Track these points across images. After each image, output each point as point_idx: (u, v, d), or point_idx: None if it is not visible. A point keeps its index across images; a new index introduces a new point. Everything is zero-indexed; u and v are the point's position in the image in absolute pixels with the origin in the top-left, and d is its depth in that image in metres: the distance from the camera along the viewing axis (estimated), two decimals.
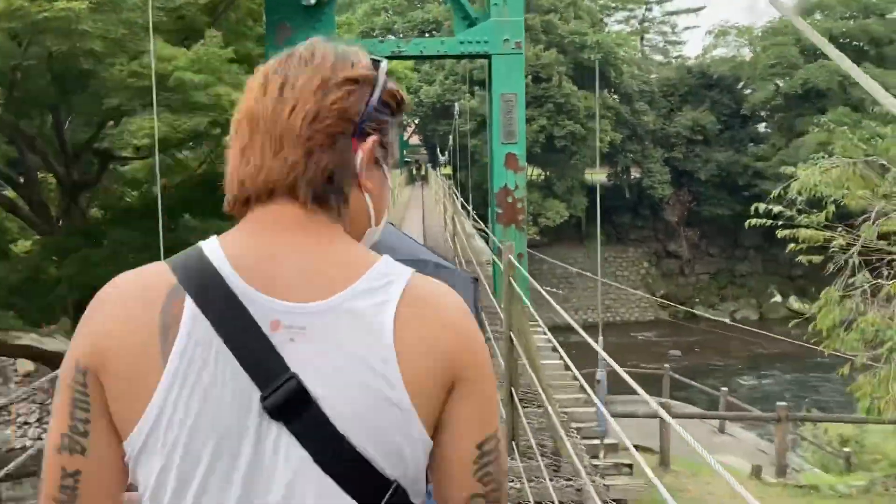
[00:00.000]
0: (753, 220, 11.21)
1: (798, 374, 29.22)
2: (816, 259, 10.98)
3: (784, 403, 12.72)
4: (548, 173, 36.75)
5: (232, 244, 1.02)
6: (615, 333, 34.38)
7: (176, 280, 0.99)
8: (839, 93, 36.24)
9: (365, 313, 0.98)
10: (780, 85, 37.05)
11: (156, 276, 1.00)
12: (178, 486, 0.97)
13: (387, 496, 0.99)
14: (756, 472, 10.73)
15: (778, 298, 40.42)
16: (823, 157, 11.49)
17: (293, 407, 0.96)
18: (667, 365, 17.79)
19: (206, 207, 9.90)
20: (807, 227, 10.75)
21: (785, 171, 12.30)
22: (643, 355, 33.86)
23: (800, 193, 9.92)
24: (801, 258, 11.19)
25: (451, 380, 1.01)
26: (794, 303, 40.46)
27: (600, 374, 4.76)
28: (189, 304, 0.97)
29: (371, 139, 1.06)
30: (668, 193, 37.45)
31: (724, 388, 16.57)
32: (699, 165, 38.19)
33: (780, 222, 10.82)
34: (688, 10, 47.02)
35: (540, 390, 4.72)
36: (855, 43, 38.18)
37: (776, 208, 10.99)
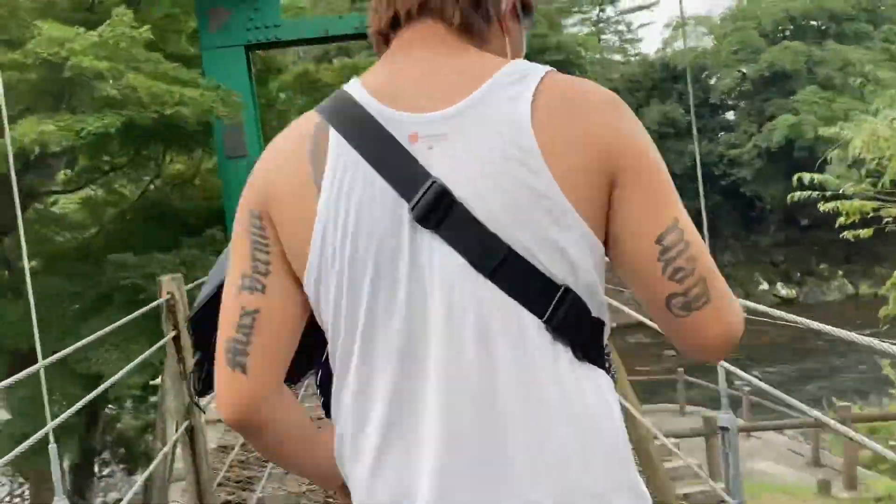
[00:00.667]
0: (797, 194, 9.58)
1: (805, 364, 27.73)
2: (866, 233, 9.38)
3: (847, 404, 11.08)
4: None
5: (370, 74, 1.03)
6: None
7: (320, 118, 1.01)
8: (805, 73, 35.19)
9: (500, 107, 0.93)
10: (746, 71, 35.88)
11: (304, 120, 1.04)
12: (350, 311, 0.96)
13: (555, 299, 0.92)
14: (824, 487, 9.05)
15: (765, 286, 39.14)
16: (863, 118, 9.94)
17: (440, 211, 0.92)
18: (680, 368, 16.17)
19: (148, 242, 8.09)
20: (850, 197, 9.20)
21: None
22: (641, 359, 32.27)
23: (864, 150, 8.28)
24: (847, 234, 9.59)
25: (610, 171, 0.93)
26: (782, 289, 39.23)
27: (725, 419, 2.71)
28: (333, 135, 0.98)
29: None
30: None
31: (747, 388, 14.91)
32: (673, 159, 36.82)
33: (827, 194, 9.22)
34: (640, 8, 45.90)
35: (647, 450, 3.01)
36: (814, 22, 37.26)
37: (810, 178, 9.42)
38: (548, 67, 0.97)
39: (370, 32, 1.07)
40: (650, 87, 38.70)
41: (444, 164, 0.93)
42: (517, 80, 0.94)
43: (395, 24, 1.02)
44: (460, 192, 0.92)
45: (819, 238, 41.15)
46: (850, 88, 32.70)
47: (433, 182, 0.92)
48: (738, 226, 41.98)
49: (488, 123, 0.93)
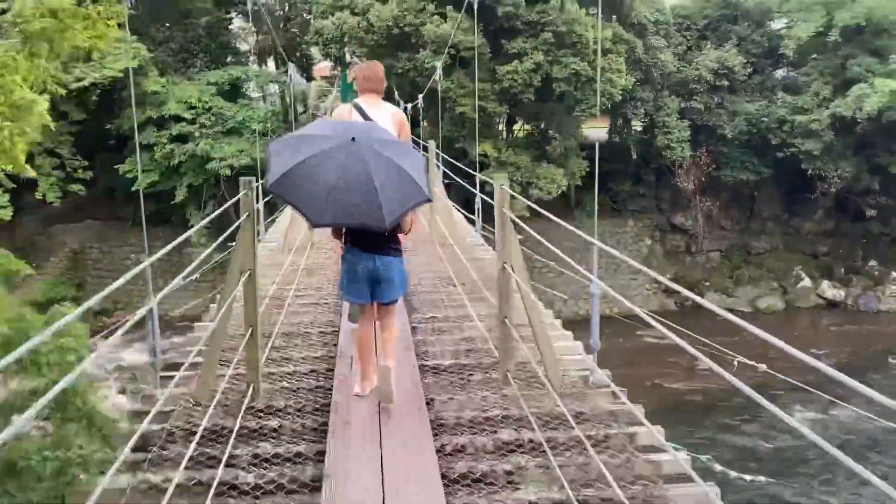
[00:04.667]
0: None
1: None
2: None
3: None
4: (541, 127, 27.67)
5: (360, 98, 5.82)
6: (615, 331, 25.97)
7: (350, 106, 5.78)
8: None
9: (386, 115, 5.74)
10: (828, 18, 28.34)
11: (347, 106, 5.88)
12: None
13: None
14: None
15: (807, 283, 32.47)
16: None
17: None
18: None
19: None
20: None
21: None
22: (661, 370, 25.58)
23: None
24: None
25: (399, 130, 5.69)
26: (828, 289, 32.69)
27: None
28: (354, 112, 5.66)
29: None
30: (688, 155, 28.74)
31: None
32: (724, 119, 29.57)
33: None
34: None
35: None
36: None
37: None
38: (394, 107, 6.14)
39: (357, 86, 6.05)
40: (704, 25, 31.19)
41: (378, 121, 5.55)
42: (389, 109, 5.86)
43: (363, 90, 5.83)
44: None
45: (870, 231, 34.75)
46: None
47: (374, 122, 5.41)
48: (779, 206, 35.30)
49: (384, 117, 5.63)
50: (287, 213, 12.41)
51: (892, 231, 34.51)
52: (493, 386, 5.06)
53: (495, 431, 4.30)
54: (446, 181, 16.63)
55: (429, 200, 4.49)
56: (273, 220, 14.20)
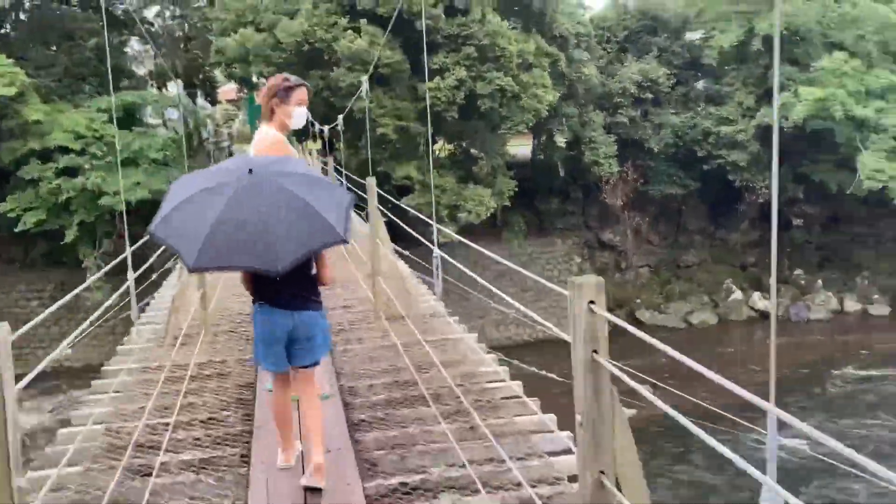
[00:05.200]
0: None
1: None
2: None
3: None
4: (463, 146, 26.10)
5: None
6: (547, 357, 24.55)
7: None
8: (818, 36, 27.63)
9: (255, 139, 5.03)
10: (748, 27, 27.83)
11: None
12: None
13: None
14: None
15: (738, 295, 31.83)
16: None
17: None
18: None
19: None
20: None
21: None
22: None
23: None
24: None
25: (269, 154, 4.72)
26: (759, 300, 32.16)
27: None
28: None
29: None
30: (615, 170, 27.68)
31: None
32: (650, 133, 28.66)
33: None
34: None
35: None
36: None
37: None
38: (271, 129, 4.79)
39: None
40: (623, 38, 30.32)
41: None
42: (259, 133, 4.83)
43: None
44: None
45: (794, 240, 34.53)
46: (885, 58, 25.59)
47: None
48: (705, 219, 34.75)
49: (254, 142, 4.95)
50: (175, 277, 9.93)
51: (815, 239, 34.40)
52: None
53: None
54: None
55: (344, 242, 3.54)
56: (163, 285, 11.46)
